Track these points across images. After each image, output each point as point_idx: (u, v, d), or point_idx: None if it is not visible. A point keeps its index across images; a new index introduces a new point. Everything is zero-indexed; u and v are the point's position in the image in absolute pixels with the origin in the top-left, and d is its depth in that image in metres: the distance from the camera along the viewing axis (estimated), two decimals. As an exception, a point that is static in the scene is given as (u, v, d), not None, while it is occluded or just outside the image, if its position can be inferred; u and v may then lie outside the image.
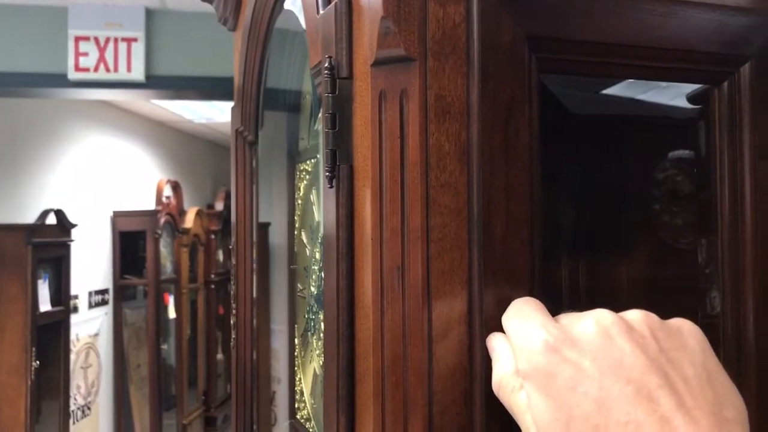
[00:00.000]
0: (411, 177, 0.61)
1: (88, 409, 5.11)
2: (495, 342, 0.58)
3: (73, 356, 4.69)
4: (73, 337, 4.65)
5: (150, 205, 5.72)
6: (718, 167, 0.73)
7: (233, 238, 1.16)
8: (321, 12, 0.73)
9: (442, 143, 0.61)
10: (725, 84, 0.72)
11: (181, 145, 7.02)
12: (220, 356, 6.78)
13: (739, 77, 0.72)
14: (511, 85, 0.62)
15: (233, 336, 1.18)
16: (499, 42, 0.62)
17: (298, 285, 1.11)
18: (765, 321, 0.71)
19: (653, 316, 0.54)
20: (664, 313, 0.57)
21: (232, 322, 1.19)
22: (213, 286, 6.55)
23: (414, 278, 0.60)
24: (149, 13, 3.87)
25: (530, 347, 0.53)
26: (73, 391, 4.70)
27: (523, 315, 0.56)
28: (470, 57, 0.61)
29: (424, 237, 0.60)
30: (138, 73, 3.85)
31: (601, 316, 0.53)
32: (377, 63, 0.62)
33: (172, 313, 5.88)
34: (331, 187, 0.67)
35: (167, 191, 5.88)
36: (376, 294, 0.62)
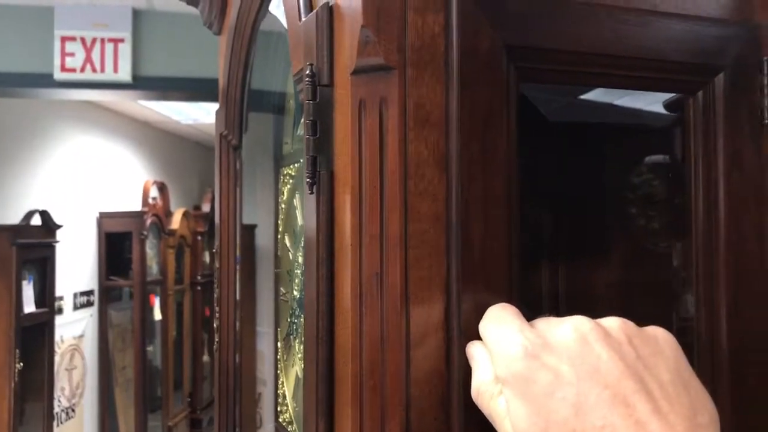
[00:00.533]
0: (390, 184, 0.61)
1: (73, 411, 5.08)
2: (473, 350, 0.59)
3: (57, 358, 4.67)
4: (57, 338, 4.62)
5: (136, 206, 5.70)
6: (692, 175, 0.75)
7: (216, 242, 1.17)
8: (303, 19, 0.73)
9: (421, 151, 0.62)
10: (700, 93, 0.74)
11: (168, 146, 7.00)
12: (206, 358, 6.75)
13: (714, 87, 0.73)
14: (490, 94, 0.63)
15: (216, 339, 1.18)
16: (477, 51, 0.63)
17: (281, 288, 1.12)
18: (738, 325, 0.73)
19: (630, 324, 0.55)
20: (641, 317, 0.58)
21: (215, 325, 1.19)
22: (199, 288, 6.52)
23: (392, 284, 0.61)
24: (136, 14, 3.86)
25: (508, 353, 0.53)
26: (57, 393, 4.67)
27: (500, 321, 0.57)
28: (449, 66, 0.62)
29: (402, 243, 0.61)
30: (125, 74, 3.84)
31: (578, 322, 0.54)
32: (357, 71, 0.63)
33: (158, 315, 5.85)
34: (312, 192, 0.68)
35: (153, 192, 5.86)
36: (355, 299, 0.63)
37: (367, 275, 0.62)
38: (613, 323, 0.54)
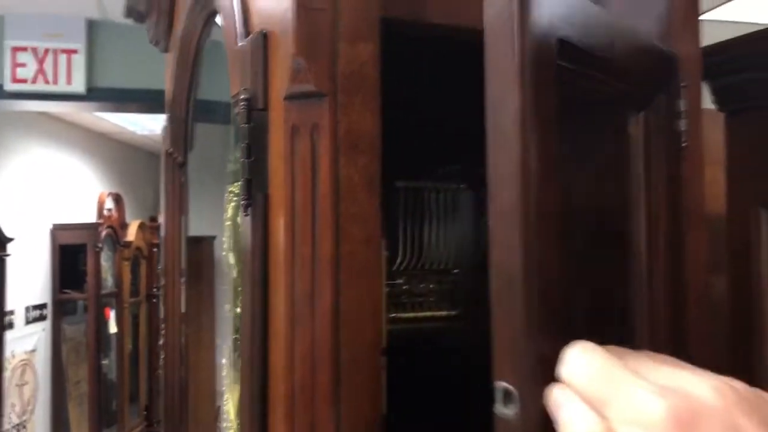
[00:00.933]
0: (322, 207, 0.63)
1: (24, 427, 4.96)
2: (565, 400, 0.46)
3: (7, 373, 4.56)
4: (8, 354, 4.52)
5: (91, 218, 5.60)
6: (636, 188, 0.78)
7: (161, 259, 1.17)
8: (240, 43, 0.74)
9: (352, 175, 0.64)
10: (641, 116, 0.77)
11: (124, 157, 6.91)
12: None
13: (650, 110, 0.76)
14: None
15: (162, 356, 1.18)
16: (407, 78, 0.65)
17: (227, 305, 1.12)
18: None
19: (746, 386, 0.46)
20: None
21: (160, 342, 1.19)
22: (155, 300, 6.44)
23: (324, 306, 0.62)
24: (90, 25, 3.82)
25: (648, 418, 0.42)
26: (7, 409, 4.56)
27: (612, 372, 0.46)
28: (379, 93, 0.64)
29: (334, 265, 0.63)
30: (78, 85, 3.79)
31: (718, 385, 0.44)
32: (289, 97, 0.64)
33: (113, 328, 5.76)
34: (247, 215, 0.69)
35: (109, 204, 5.77)
36: (288, 321, 0.64)
37: (299, 297, 0.63)
38: (741, 387, 0.45)
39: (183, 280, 1.18)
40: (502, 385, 0.45)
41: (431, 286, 1.03)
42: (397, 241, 1.04)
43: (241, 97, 0.69)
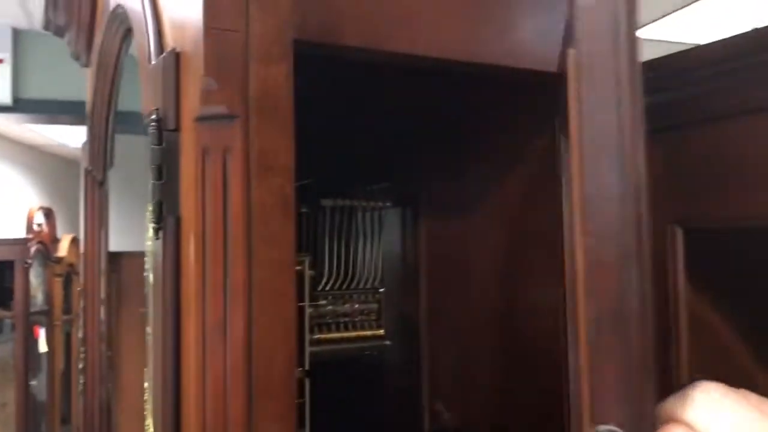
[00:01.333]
0: (234, 231, 0.62)
1: (-54, 453, 4.73)
2: None
3: (-72, 397, 4.34)
4: (-73, 376, 4.31)
5: (20, 233, 5.41)
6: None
7: (81, 281, 1.13)
8: (152, 62, 0.73)
9: (265, 198, 0.62)
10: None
11: (55, 170, 6.70)
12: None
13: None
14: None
15: (81, 381, 1.14)
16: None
17: (147, 329, 1.09)
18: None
19: None
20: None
21: (80, 366, 1.15)
22: (89, 317, 6.24)
23: (236, 333, 0.61)
24: (16, 34, 3.70)
25: None
26: (-73, 434, 4.34)
27: (753, 421, 0.46)
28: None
29: (246, 291, 0.61)
30: (4, 96, 3.66)
31: None
32: (200, 119, 0.63)
33: (43, 347, 5.55)
34: (158, 238, 0.67)
35: (39, 218, 5.58)
36: (199, 349, 0.62)
37: (210, 324, 0.62)
38: None
39: (104, 298, 1.14)
40: (606, 428, 0.42)
41: (356, 306, 1.02)
42: (323, 261, 1.03)
43: (152, 117, 0.67)
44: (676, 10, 3.38)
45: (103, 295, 1.09)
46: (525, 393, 1.01)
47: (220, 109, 0.62)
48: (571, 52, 0.61)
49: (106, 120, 1.06)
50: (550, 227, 0.93)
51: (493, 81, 0.88)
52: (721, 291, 1.01)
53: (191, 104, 0.65)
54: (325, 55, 0.71)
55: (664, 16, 3.44)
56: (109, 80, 1.04)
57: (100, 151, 1.09)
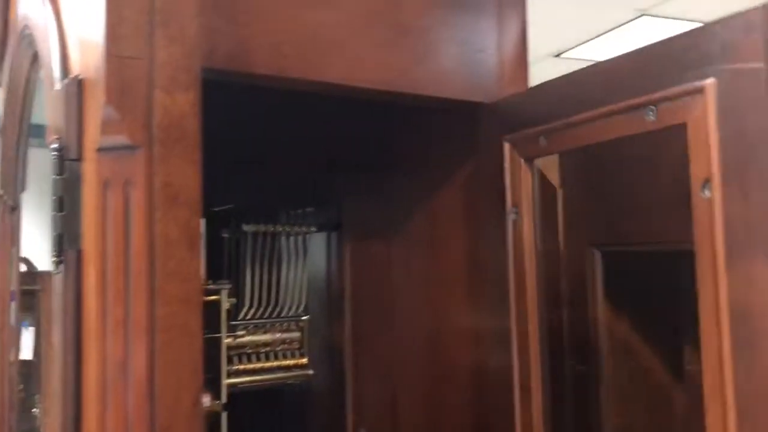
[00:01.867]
0: (136, 266, 0.59)
1: None
2: None
3: None
4: None
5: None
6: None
7: (-11, 311, 1.07)
8: (56, 88, 0.70)
9: (170, 231, 0.60)
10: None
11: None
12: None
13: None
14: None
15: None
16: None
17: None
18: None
19: None
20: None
21: (-13, 400, 1.09)
22: None
23: (138, 371, 0.58)
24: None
25: None
26: None
27: None
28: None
29: (149, 328, 0.59)
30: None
31: None
32: (102, 149, 0.60)
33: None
34: (58, 272, 0.64)
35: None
36: (100, 388, 0.59)
37: (112, 362, 0.59)
38: None
39: (15, 324, 1.10)
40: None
41: (278, 335, 1.00)
42: (245, 288, 1.01)
43: (54, 146, 0.64)
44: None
45: (13, 323, 1.05)
46: (451, 420, 1.01)
47: (121, 139, 0.59)
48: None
49: (17, 143, 1.02)
50: (474, 251, 0.93)
51: (416, 108, 0.88)
52: (639, 311, 1.03)
53: (94, 133, 0.63)
54: (239, 82, 0.70)
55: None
56: (20, 102, 1.00)
57: (12, 174, 1.04)
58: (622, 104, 0.69)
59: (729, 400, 0.58)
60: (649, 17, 3.48)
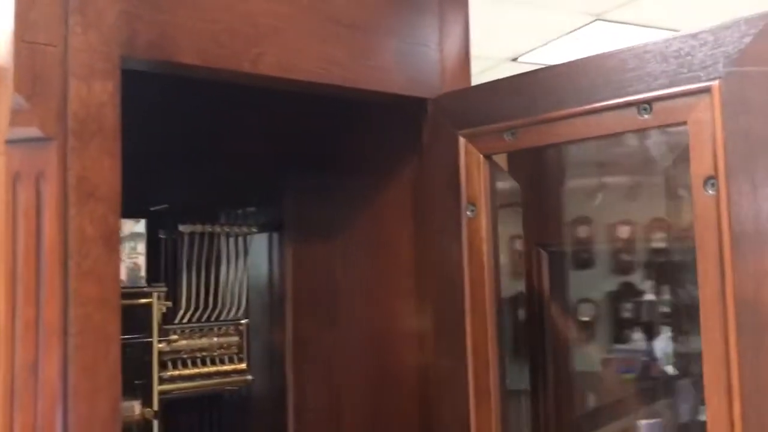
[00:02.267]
0: (48, 265, 0.56)
1: None
2: None
3: None
4: None
5: None
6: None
7: None
8: (-32, 78, 0.66)
9: (86, 228, 0.57)
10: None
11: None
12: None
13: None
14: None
15: None
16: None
17: None
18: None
19: None
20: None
21: None
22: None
23: (49, 376, 0.55)
24: None
25: None
26: None
27: None
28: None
29: (62, 330, 0.55)
30: None
31: None
32: (11, 141, 0.57)
33: None
34: (-33, 273, 0.60)
35: None
36: (7, 395, 0.56)
37: (20, 367, 0.56)
38: None
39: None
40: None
41: (216, 339, 0.97)
42: (181, 291, 0.97)
43: (-39, 138, 0.61)
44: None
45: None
46: (397, 425, 0.98)
47: (32, 130, 0.56)
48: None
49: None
50: (421, 249, 0.91)
51: (358, 104, 0.86)
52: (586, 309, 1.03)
53: (3, 124, 0.59)
54: (166, 72, 0.67)
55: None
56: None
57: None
58: (614, 102, 0.67)
59: (734, 390, 0.57)
60: (603, 22, 3.52)
